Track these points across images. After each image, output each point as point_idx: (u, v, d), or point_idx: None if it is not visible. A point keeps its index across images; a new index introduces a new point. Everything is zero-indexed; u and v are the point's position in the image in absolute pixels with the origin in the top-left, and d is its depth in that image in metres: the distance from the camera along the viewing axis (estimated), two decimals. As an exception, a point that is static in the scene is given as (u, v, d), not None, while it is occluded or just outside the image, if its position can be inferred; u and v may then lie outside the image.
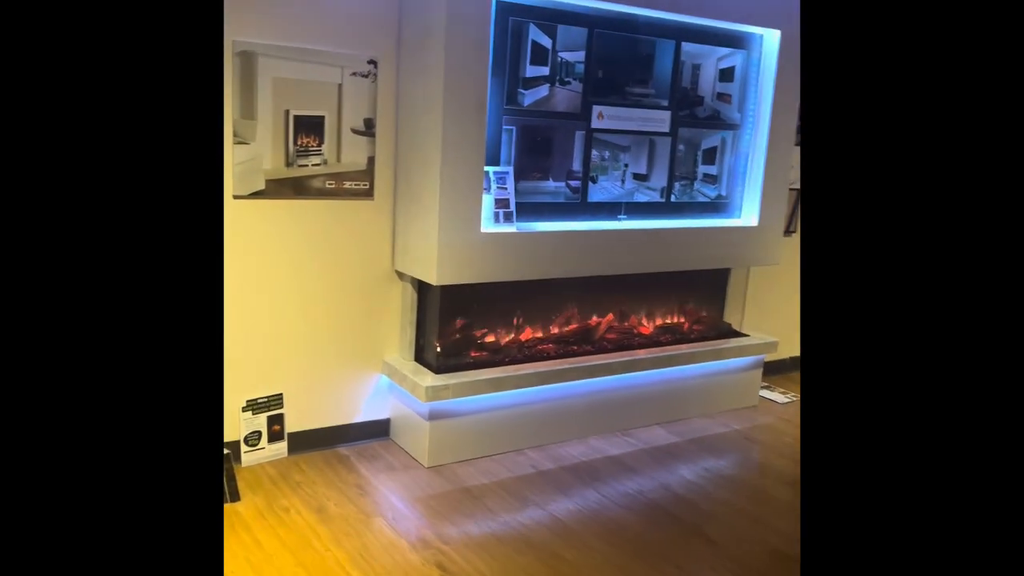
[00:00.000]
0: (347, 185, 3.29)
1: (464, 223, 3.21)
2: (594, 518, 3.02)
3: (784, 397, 4.51)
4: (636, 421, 3.94)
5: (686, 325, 4.26)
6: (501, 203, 3.34)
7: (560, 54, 3.40)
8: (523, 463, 3.46)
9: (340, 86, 3.18)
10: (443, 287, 3.37)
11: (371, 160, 3.32)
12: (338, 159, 3.24)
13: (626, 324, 4.08)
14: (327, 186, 3.24)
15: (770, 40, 3.98)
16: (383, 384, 3.57)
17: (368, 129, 3.29)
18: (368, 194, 3.35)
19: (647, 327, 4.15)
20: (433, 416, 3.33)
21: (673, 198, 3.92)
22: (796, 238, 4.78)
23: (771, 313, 4.77)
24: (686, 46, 3.74)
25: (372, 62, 3.24)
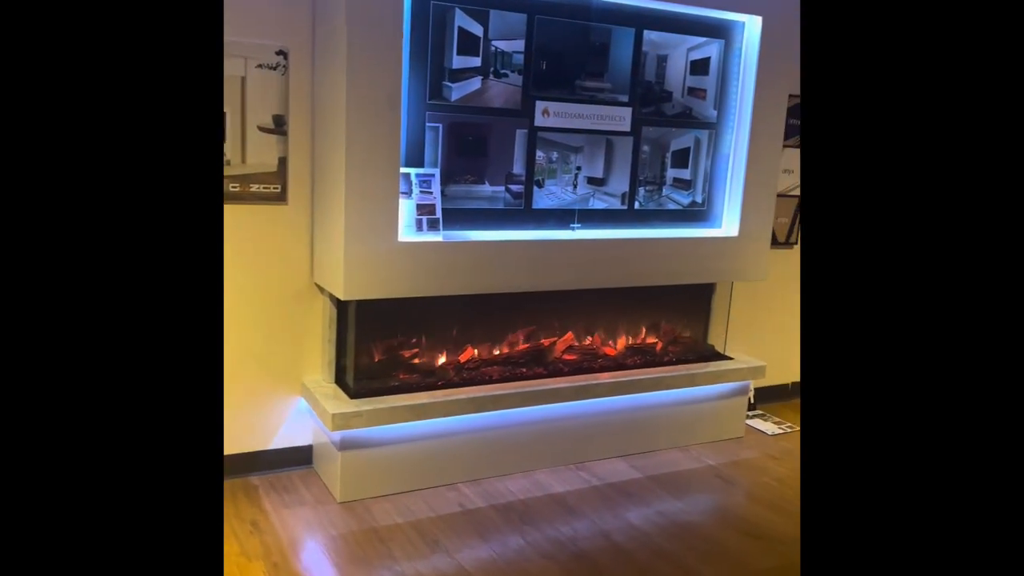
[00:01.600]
0: (254, 188, 2.95)
1: (377, 231, 2.84)
2: (506, 570, 2.59)
3: (777, 428, 3.99)
4: (595, 453, 3.49)
5: (659, 346, 3.78)
6: (424, 209, 2.96)
7: (494, 43, 3.01)
8: (451, 500, 3.05)
9: (243, 79, 2.86)
10: (362, 302, 3.01)
11: (283, 161, 2.99)
12: (243, 160, 2.91)
13: (589, 344, 3.64)
14: (231, 189, 2.91)
15: (751, 28, 3.50)
16: (303, 408, 3.22)
17: (278, 127, 2.95)
18: (280, 198, 3.01)
19: (614, 348, 3.70)
20: (346, 446, 2.96)
21: (637, 205, 3.47)
22: (797, 251, 4.26)
23: (765, 334, 4.25)
24: (648, 34, 3.30)
25: (282, 53, 2.91)
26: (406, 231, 2.92)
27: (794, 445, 3.78)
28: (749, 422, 4.01)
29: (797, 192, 4.17)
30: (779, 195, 4.11)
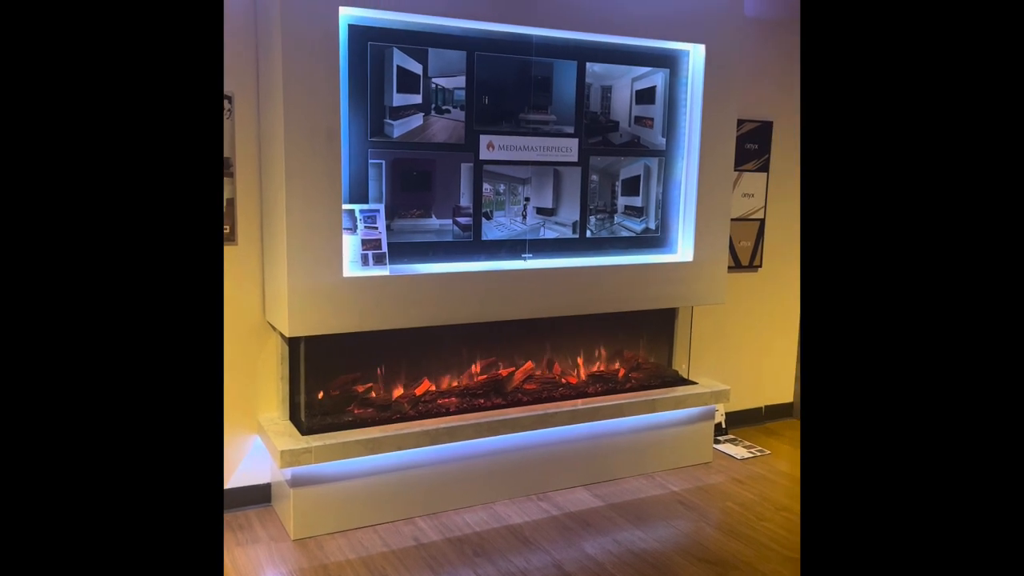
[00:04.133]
0: (202, 230, 2.95)
1: (321, 267, 2.82)
2: (451, 605, 2.51)
3: (747, 452, 3.89)
4: (557, 483, 3.41)
5: (621, 373, 3.72)
6: (370, 244, 2.94)
7: (434, 80, 3.01)
8: (406, 535, 2.98)
9: (188, 125, 2.87)
10: (313, 338, 2.98)
11: (231, 202, 2.99)
12: (190, 203, 2.91)
13: (550, 373, 3.58)
14: (179, 232, 2.90)
15: (695, 56, 3.50)
16: (259, 446, 3.17)
17: (224, 169, 2.96)
18: (230, 239, 3.01)
19: (575, 376, 3.64)
20: (297, 482, 2.91)
21: (589, 233, 3.44)
22: (762, 274, 4.21)
23: (734, 358, 4.18)
24: (591, 66, 3.30)
25: (227, 97, 2.93)
26: (351, 266, 2.90)
27: (762, 469, 3.68)
28: (719, 447, 3.92)
29: (760, 215, 4.14)
30: (741, 219, 4.08)
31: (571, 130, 3.31)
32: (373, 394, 3.19)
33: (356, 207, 2.93)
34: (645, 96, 3.45)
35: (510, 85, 3.15)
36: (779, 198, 4.18)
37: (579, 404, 3.40)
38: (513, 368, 3.49)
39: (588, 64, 3.29)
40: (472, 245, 3.20)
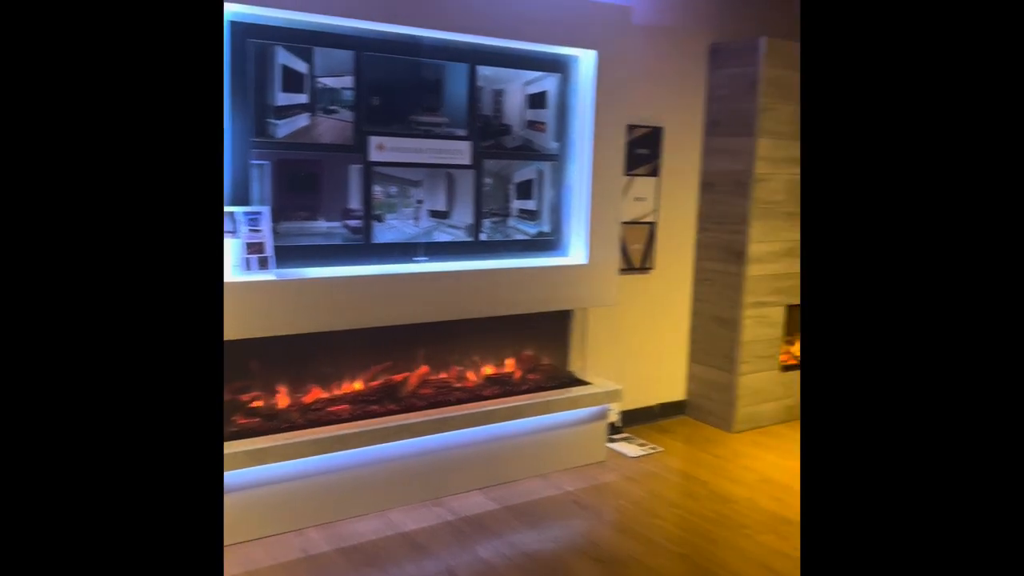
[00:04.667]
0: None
1: (200, 272, 2.69)
2: (338, 617, 2.44)
3: (640, 450, 3.97)
4: (453, 488, 3.38)
5: (517, 375, 3.73)
6: (253, 248, 2.83)
7: (320, 80, 2.93)
8: (294, 546, 2.88)
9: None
10: (193, 346, 2.84)
11: (102, 204, 2.81)
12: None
13: (446, 377, 3.55)
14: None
15: (586, 62, 3.54)
16: (137, 460, 3.00)
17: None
18: (101, 243, 2.83)
19: (472, 380, 3.62)
20: (177, 497, 2.76)
21: (484, 236, 3.43)
22: (654, 275, 4.30)
23: (628, 357, 4.26)
24: (483, 70, 3.29)
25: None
26: (233, 271, 2.79)
27: (654, 467, 3.76)
28: (613, 445, 3.98)
29: (651, 219, 4.23)
30: (633, 222, 4.15)
31: (464, 133, 3.28)
32: (259, 403, 3.07)
33: (237, 209, 2.81)
34: (537, 100, 3.47)
35: (400, 86, 3.10)
36: (669, 202, 4.28)
37: (475, 407, 3.38)
38: (408, 373, 3.43)
39: (479, 67, 3.28)
40: (363, 248, 3.13)
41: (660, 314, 4.37)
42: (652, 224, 4.24)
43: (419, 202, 3.23)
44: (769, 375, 4.34)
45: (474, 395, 3.51)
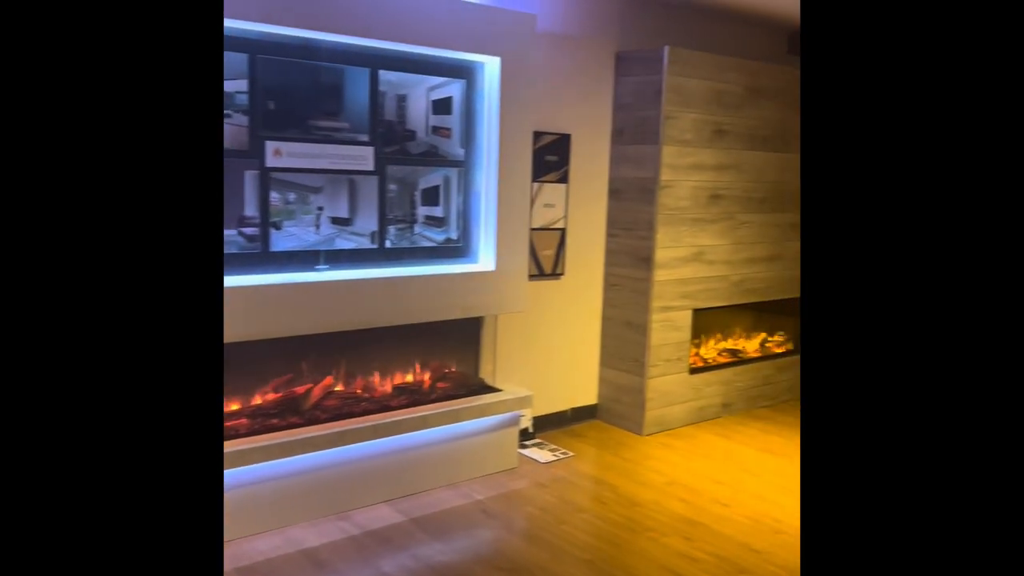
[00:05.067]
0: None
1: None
2: (229, 643, 2.34)
3: (551, 455, 3.97)
4: (359, 501, 3.30)
5: (427, 384, 3.67)
6: (140, 257, 2.69)
7: (212, 82, 2.82)
8: (187, 569, 2.74)
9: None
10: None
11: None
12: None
13: (351, 388, 3.46)
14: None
15: (491, 68, 3.53)
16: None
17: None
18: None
19: (380, 390, 3.55)
20: (57, 523, 2.60)
21: (388, 244, 3.37)
22: (564, 281, 4.31)
23: (539, 363, 4.25)
24: (385, 75, 3.24)
25: None
26: (118, 282, 2.64)
27: (564, 472, 3.76)
28: (525, 452, 3.97)
29: (561, 225, 4.24)
30: (543, 228, 4.16)
31: (366, 138, 3.22)
32: (150, 420, 2.92)
33: (123, 217, 2.67)
34: (442, 106, 3.43)
35: (298, 91, 3.01)
36: (579, 208, 4.31)
37: (381, 418, 3.30)
38: (311, 385, 3.33)
39: (382, 72, 3.22)
40: (260, 257, 3.02)
41: (571, 319, 4.39)
42: (562, 230, 4.25)
43: (319, 209, 3.14)
44: (677, 378, 4.41)
45: (381, 406, 3.44)
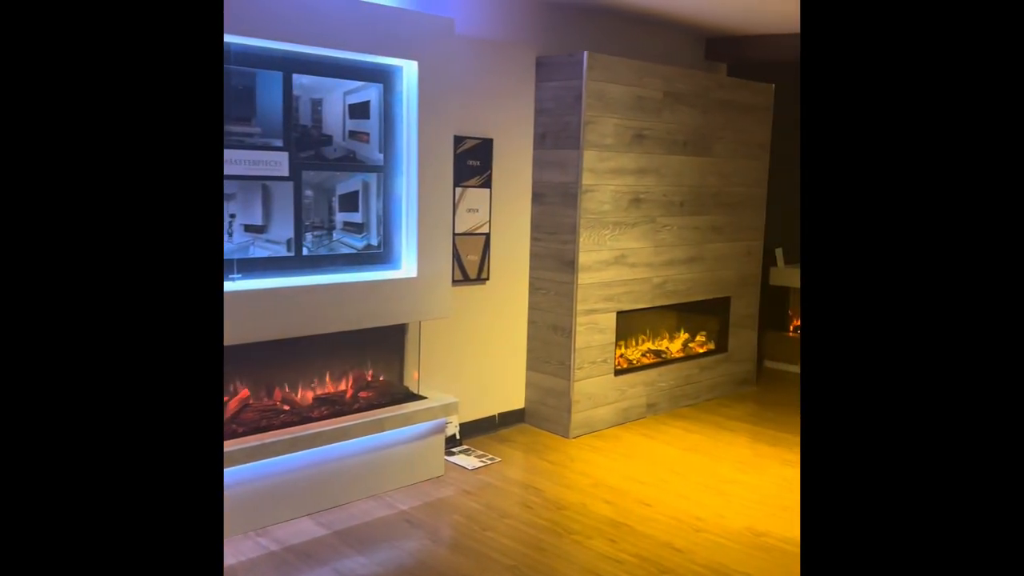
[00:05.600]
0: None
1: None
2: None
3: (478, 462, 3.94)
4: (279, 516, 3.20)
5: (349, 394, 3.60)
6: (35, 269, 2.54)
7: (112, 85, 2.69)
8: (93, 596, 2.61)
9: None
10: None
11: None
12: None
13: (270, 400, 3.36)
14: None
15: (409, 72, 3.48)
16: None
17: None
18: None
19: (300, 401, 3.45)
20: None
21: (306, 251, 3.28)
22: (489, 286, 4.29)
23: (465, 369, 4.22)
24: (299, 78, 3.15)
25: None
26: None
27: (491, 478, 3.74)
28: (452, 459, 3.93)
29: (485, 230, 4.22)
30: (467, 233, 4.13)
31: (280, 143, 3.13)
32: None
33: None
34: (359, 110, 3.37)
35: (206, 94, 2.90)
36: (503, 213, 4.30)
37: (300, 430, 3.22)
38: (226, 398, 3.22)
39: (295, 76, 3.14)
40: (168, 267, 2.90)
41: (497, 324, 4.37)
42: (486, 235, 4.23)
43: (232, 216, 3.04)
44: (603, 380, 4.45)
45: (301, 417, 3.34)
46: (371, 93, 3.39)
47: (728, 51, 5.30)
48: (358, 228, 3.45)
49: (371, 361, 3.72)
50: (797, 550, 3.06)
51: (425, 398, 3.74)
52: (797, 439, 4.39)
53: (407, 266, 3.60)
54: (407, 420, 3.55)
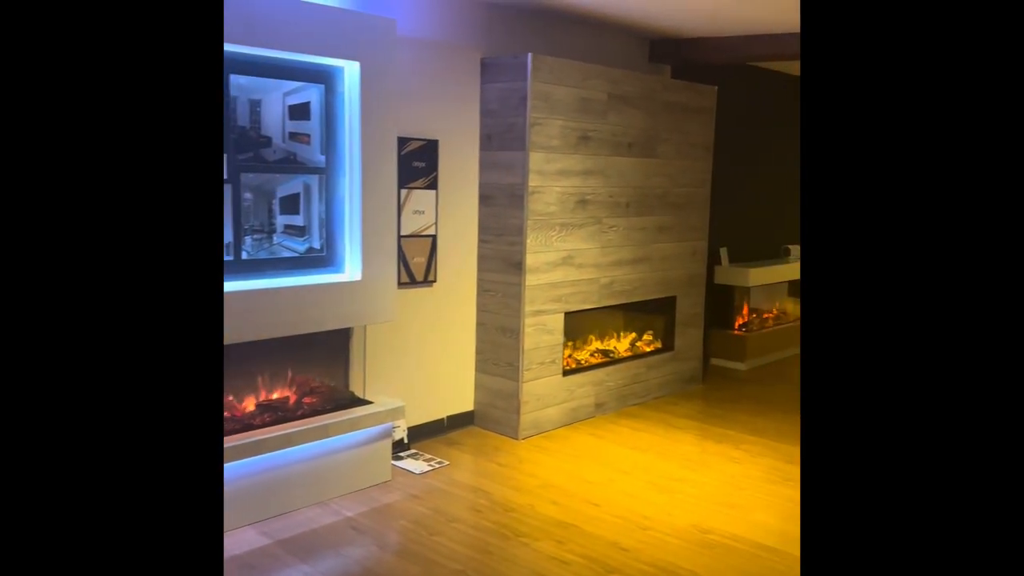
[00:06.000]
0: None
1: None
2: None
3: (426, 466, 3.90)
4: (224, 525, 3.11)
5: (292, 400, 3.53)
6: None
7: (36, 85, 2.59)
8: (21, 616, 2.50)
9: None
10: None
11: None
12: None
13: (210, 408, 3.27)
14: None
15: (351, 73, 3.43)
16: None
17: None
18: None
19: (242, 408, 3.38)
20: None
21: (245, 255, 3.21)
22: (437, 288, 4.26)
23: (412, 373, 4.18)
24: (236, 79, 3.08)
25: None
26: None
27: (439, 482, 3.71)
28: (399, 463, 3.89)
29: (431, 232, 4.19)
30: (413, 235, 4.09)
31: (217, 145, 3.04)
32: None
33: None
34: (299, 112, 3.30)
35: (138, 94, 2.81)
36: (449, 215, 4.27)
37: (242, 438, 3.14)
38: (164, 406, 3.12)
39: (232, 76, 3.06)
40: (100, 273, 2.80)
41: (445, 326, 4.34)
42: (433, 237, 4.20)
43: (167, 220, 2.95)
44: (551, 380, 4.45)
45: (244, 425, 3.27)
46: (312, 94, 3.33)
47: (672, 53, 5.36)
48: (300, 231, 3.39)
49: (315, 366, 3.66)
50: (742, 546, 3.10)
51: (371, 403, 3.69)
52: (743, 436, 4.47)
53: (351, 269, 3.54)
54: (352, 425, 3.50)
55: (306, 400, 3.56)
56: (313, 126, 3.35)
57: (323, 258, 3.48)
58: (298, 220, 3.37)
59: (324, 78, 3.37)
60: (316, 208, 3.42)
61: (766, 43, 4.96)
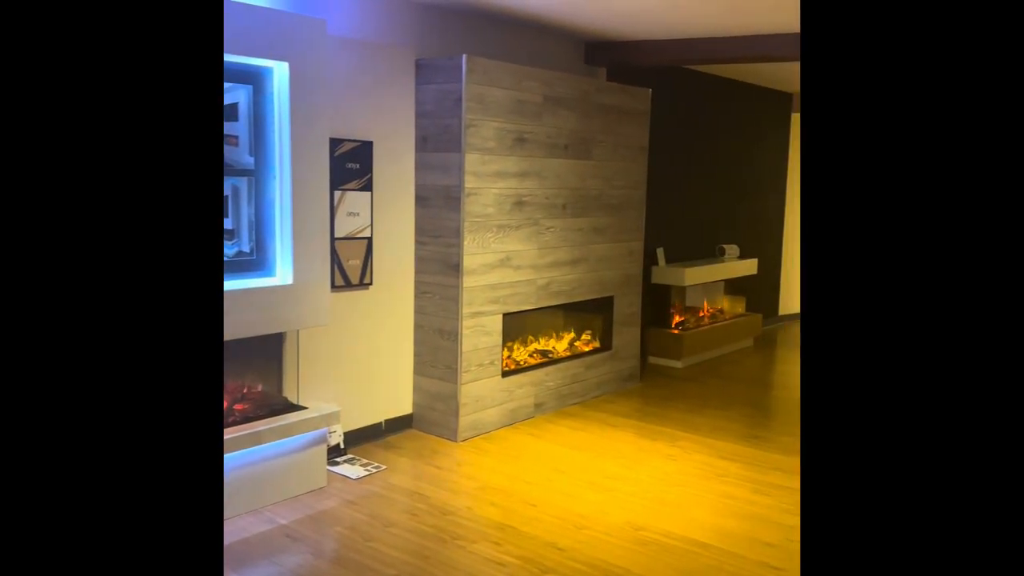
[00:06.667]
0: None
1: None
2: None
3: (363, 471, 3.85)
4: (147, 539, 3.02)
5: (224, 406, 3.44)
6: None
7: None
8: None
9: None
10: None
11: None
12: None
13: (135, 417, 3.17)
14: None
15: (280, 73, 3.36)
16: None
17: None
18: None
19: (169, 416, 3.28)
20: None
21: (171, 260, 3.11)
22: (373, 291, 4.21)
23: (349, 377, 4.13)
24: (159, 78, 2.99)
25: None
26: None
27: (376, 486, 3.67)
28: (336, 469, 3.83)
29: (367, 234, 4.14)
30: (348, 238, 4.04)
31: (139, 146, 2.95)
32: None
33: None
34: (226, 113, 3.22)
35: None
36: (385, 216, 4.23)
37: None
38: (85, 417, 3.01)
39: (155, 75, 2.97)
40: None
41: (383, 329, 4.30)
42: (368, 239, 4.15)
43: (86, 224, 2.84)
44: (490, 382, 4.45)
45: (171, 433, 3.17)
46: (239, 95, 3.25)
47: (607, 56, 5.41)
48: (228, 234, 3.30)
49: (248, 372, 3.58)
50: (675, 543, 3.15)
51: (305, 408, 3.63)
52: (678, 433, 4.54)
53: (282, 273, 3.48)
54: (286, 432, 3.43)
55: (237, 407, 3.48)
56: (241, 127, 3.28)
57: (253, 262, 3.40)
58: (226, 223, 3.29)
59: (252, 79, 3.29)
60: (245, 211, 3.35)
61: (701, 46, 5.05)
